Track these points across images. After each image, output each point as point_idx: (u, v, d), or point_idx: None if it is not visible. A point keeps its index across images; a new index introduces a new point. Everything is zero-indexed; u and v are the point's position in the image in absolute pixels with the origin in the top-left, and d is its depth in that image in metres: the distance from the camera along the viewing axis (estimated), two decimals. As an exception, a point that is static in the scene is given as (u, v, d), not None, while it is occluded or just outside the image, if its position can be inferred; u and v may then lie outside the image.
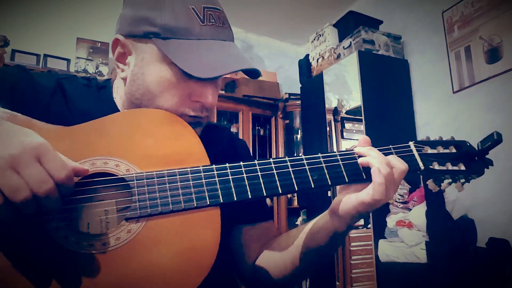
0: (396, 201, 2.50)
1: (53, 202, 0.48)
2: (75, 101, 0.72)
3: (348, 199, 0.62)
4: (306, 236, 0.71)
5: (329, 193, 2.93)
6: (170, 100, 0.67)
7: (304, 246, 0.71)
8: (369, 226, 2.54)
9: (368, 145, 0.67)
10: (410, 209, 2.42)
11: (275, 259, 0.76)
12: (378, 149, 0.66)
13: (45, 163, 0.47)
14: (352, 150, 0.67)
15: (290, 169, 0.63)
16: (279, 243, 0.78)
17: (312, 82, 3.35)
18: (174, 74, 0.66)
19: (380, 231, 2.48)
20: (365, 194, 0.60)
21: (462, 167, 0.70)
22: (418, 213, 2.27)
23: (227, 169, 0.61)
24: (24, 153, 0.45)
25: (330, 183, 0.63)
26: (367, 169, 0.63)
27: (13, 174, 0.45)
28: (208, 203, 0.58)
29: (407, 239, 2.25)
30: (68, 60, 2.97)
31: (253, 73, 0.69)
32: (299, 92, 3.58)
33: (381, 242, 2.43)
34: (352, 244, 2.66)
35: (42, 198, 0.46)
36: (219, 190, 0.59)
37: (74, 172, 0.51)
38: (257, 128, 3.70)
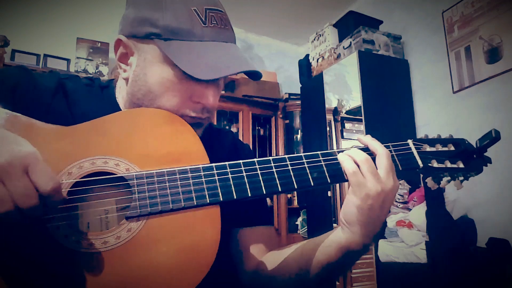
0: (396, 201, 2.50)
1: (36, 214, 0.47)
2: (77, 101, 0.72)
3: (347, 200, 0.62)
4: (317, 250, 0.67)
5: (329, 193, 2.93)
6: (171, 101, 0.68)
7: (315, 260, 0.67)
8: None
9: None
10: (410, 209, 2.42)
11: (278, 269, 0.74)
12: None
13: (32, 174, 0.46)
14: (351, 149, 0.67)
15: (290, 167, 0.63)
16: (285, 253, 0.75)
17: (312, 82, 3.35)
18: (176, 75, 0.66)
19: (380, 231, 2.47)
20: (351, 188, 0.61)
21: (461, 165, 0.70)
22: (418, 213, 2.27)
23: (226, 168, 0.61)
24: (12, 163, 0.45)
25: (329, 181, 0.63)
26: None
27: None
28: (208, 201, 0.58)
29: (407, 239, 2.25)
30: (68, 60, 2.97)
31: (254, 75, 0.69)
32: (299, 92, 3.58)
33: (381, 242, 2.42)
34: (352, 244, 2.65)
35: (25, 210, 0.46)
36: (219, 189, 0.59)
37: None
38: (257, 128, 3.70)
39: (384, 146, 0.68)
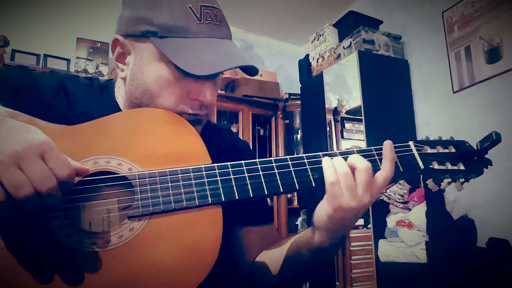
0: (396, 201, 2.50)
1: (54, 199, 0.48)
2: (77, 101, 0.73)
3: (321, 205, 0.63)
4: (291, 249, 0.72)
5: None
6: (169, 99, 0.68)
7: (290, 259, 0.72)
8: (369, 226, 2.54)
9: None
10: (410, 209, 2.42)
11: (269, 264, 0.77)
12: (376, 148, 0.67)
13: (48, 160, 0.47)
14: (353, 149, 0.67)
15: (291, 168, 0.63)
16: (274, 249, 0.78)
17: (312, 82, 3.36)
18: (172, 72, 0.67)
19: (380, 231, 2.48)
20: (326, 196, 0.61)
21: (462, 167, 0.70)
22: (418, 213, 2.27)
23: (228, 168, 0.61)
24: (28, 149, 0.46)
25: None
26: None
27: (16, 170, 0.45)
28: (210, 201, 0.58)
29: (407, 239, 2.25)
30: (68, 60, 2.97)
31: (251, 70, 0.70)
32: (299, 92, 3.58)
33: (381, 242, 2.43)
34: (352, 244, 2.66)
35: (44, 195, 0.46)
36: (221, 189, 0.59)
37: (75, 171, 0.51)
38: (257, 128, 3.70)
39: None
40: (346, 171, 0.60)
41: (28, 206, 0.46)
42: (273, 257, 0.76)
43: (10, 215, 0.46)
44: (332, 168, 0.61)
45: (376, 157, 0.66)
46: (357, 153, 0.66)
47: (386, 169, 0.62)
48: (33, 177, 0.45)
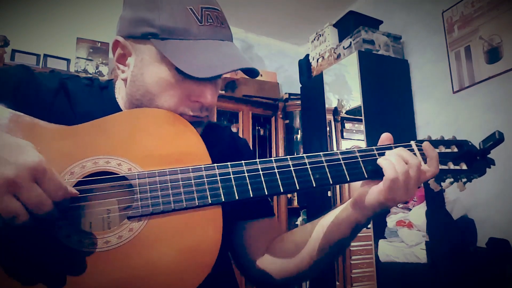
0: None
1: (52, 217, 0.48)
2: (78, 101, 0.73)
3: (373, 192, 0.65)
4: (328, 229, 0.72)
5: (329, 193, 2.93)
6: (169, 101, 0.68)
7: (325, 239, 0.72)
8: (369, 226, 2.54)
9: (390, 142, 0.70)
10: (410, 209, 2.42)
11: (287, 256, 0.76)
12: (377, 147, 0.68)
13: (42, 183, 0.46)
14: (353, 149, 0.67)
15: (292, 168, 0.63)
16: (294, 240, 0.78)
17: (312, 82, 3.35)
18: (173, 74, 0.67)
19: (380, 231, 2.48)
20: (381, 186, 0.64)
21: (464, 167, 0.70)
22: (418, 213, 2.27)
23: (228, 168, 0.61)
24: (20, 175, 0.44)
25: (331, 182, 0.63)
26: (368, 168, 0.64)
27: (11, 199, 0.44)
28: (210, 202, 0.58)
29: (407, 239, 2.25)
30: (68, 60, 2.96)
31: (251, 72, 0.70)
32: (299, 92, 3.58)
33: (381, 242, 2.43)
34: (352, 244, 2.64)
35: (40, 216, 0.46)
36: (221, 189, 0.59)
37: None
38: (257, 128, 3.70)
39: (387, 146, 0.68)
40: (405, 169, 0.63)
41: (26, 226, 0.46)
42: (306, 246, 0.75)
43: (7, 235, 0.47)
44: (392, 164, 0.63)
45: (378, 157, 0.66)
46: (358, 152, 0.66)
47: (434, 166, 0.66)
48: (29, 204, 0.45)
